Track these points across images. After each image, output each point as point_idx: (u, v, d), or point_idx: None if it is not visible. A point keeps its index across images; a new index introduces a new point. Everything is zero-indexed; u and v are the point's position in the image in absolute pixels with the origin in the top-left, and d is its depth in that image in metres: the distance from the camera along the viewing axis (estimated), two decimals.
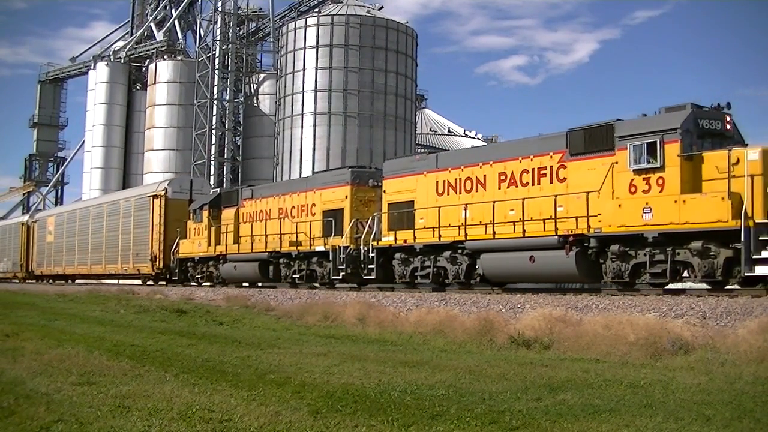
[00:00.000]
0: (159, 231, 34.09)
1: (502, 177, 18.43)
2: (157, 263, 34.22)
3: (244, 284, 28.96)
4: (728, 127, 15.44)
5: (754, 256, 13.43)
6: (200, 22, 63.48)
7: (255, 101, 58.20)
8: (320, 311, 16.63)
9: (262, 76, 58.66)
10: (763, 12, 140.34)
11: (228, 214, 29.10)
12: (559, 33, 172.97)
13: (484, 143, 70.30)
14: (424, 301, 16.62)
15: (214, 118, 55.51)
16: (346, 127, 50.21)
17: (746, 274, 13.70)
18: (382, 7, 55.07)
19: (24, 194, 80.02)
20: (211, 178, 54.76)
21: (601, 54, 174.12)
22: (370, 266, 21.58)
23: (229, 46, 56.81)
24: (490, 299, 15.68)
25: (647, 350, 9.93)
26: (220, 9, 57.00)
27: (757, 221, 13.54)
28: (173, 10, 64.61)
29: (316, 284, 24.48)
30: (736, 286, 14.42)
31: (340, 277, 22.77)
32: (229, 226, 28.71)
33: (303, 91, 51.10)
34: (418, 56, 54.35)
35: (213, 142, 55.48)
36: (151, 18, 66.05)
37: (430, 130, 64.86)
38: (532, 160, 17.82)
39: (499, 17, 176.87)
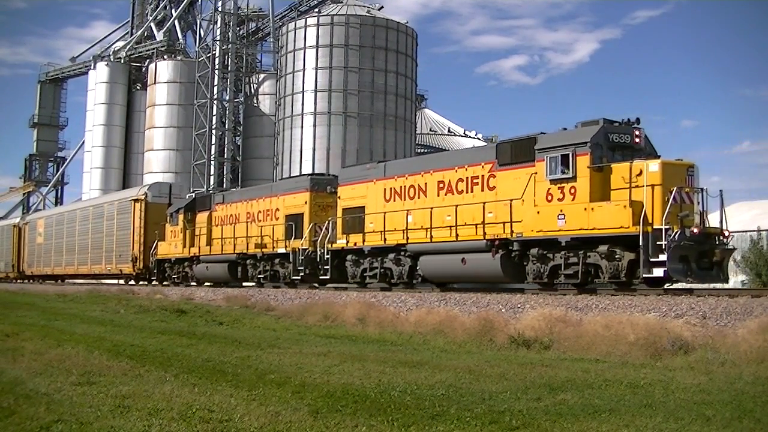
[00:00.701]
0: (139, 233, 35.94)
1: (441, 185, 19.87)
2: (138, 264, 35.91)
3: (220, 284, 30.32)
4: (637, 140, 16.68)
5: (651, 259, 14.67)
6: (200, 22, 63.49)
7: (255, 101, 58.20)
8: (320, 311, 16.63)
9: (262, 76, 58.66)
10: (763, 12, 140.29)
11: (202, 217, 30.79)
12: (559, 33, 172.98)
13: (485, 143, 70.35)
14: (424, 301, 16.62)
15: (214, 118, 55.50)
16: (346, 127, 50.21)
17: (644, 275, 14.96)
18: (382, 7, 55.08)
19: (24, 194, 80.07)
20: (211, 178, 54.77)
21: (602, 54, 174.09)
22: (325, 267, 23.13)
23: (229, 46, 56.81)
24: (490, 299, 15.68)
25: (647, 350, 9.94)
26: (220, 9, 56.99)
27: (655, 227, 14.70)
28: (173, 10, 64.61)
29: (280, 284, 25.93)
30: (643, 286, 15.61)
31: (299, 278, 24.41)
32: (203, 229, 30.46)
33: (303, 91, 51.11)
34: (418, 56, 54.38)
35: (213, 142, 55.48)
36: (151, 18, 66.05)
37: (430, 130, 64.85)
38: (466, 169, 19.23)
39: (500, 17, 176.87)
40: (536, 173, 17.12)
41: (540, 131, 17.88)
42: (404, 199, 21.01)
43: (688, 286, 15.70)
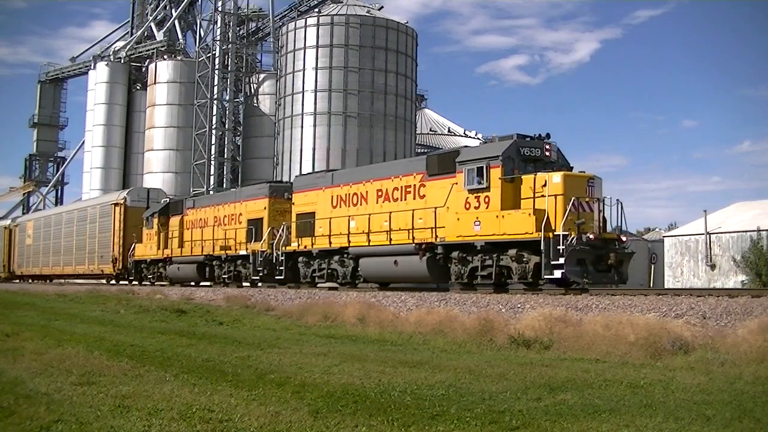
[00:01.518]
0: (119, 236, 38.31)
1: (379, 193, 21.68)
2: (117, 264, 38.26)
3: (190, 283, 32.39)
4: (548, 153, 18.36)
5: (552, 262, 16.15)
6: (200, 22, 63.44)
7: (255, 101, 58.16)
8: (320, 311, 16.63)
9: (262, 76, 58.60)
10: (764, 11, 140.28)
11: (174, 221, 32.95)
12: (560, 32, 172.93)
13: (484, 143, 70.33)
14: (424, 301, 16.62)
15: (214, 118, 55.45)
16: (346, 127, 50.18)
17: (545, 276, 16.50)
18: (382, 7, 55.06)
19: (24, 194, 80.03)
20: (211, 178, 54.75)
21: (603, 54, 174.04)
22: (280, 268, 25.13)
23: (229, 46, 56.77)
24: (490, 299, 15.68)
25: (647, 350, 9.94)
26: (220, 9, 56.94)
27: (556, 233, 16.17)
28: (173, 10, 64.58)
29: (245, 283, 28.18)
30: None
31: (258, 278, 26.47)
32: (175, 232, 32.61)
33: (303, 91, 51.08)
34: (418, 56, 54.35)
35: (213, 142, 55.42)
36: (151, 18, 66.02)
37: (430, 130, 64.82)
38: (401, 179, 21.01)
39: (500, 17, 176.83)
40: (457, 183, 18.82)
41: (497, 135, 19.39)
42: (348, 206, 22.76)
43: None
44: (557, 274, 16.20)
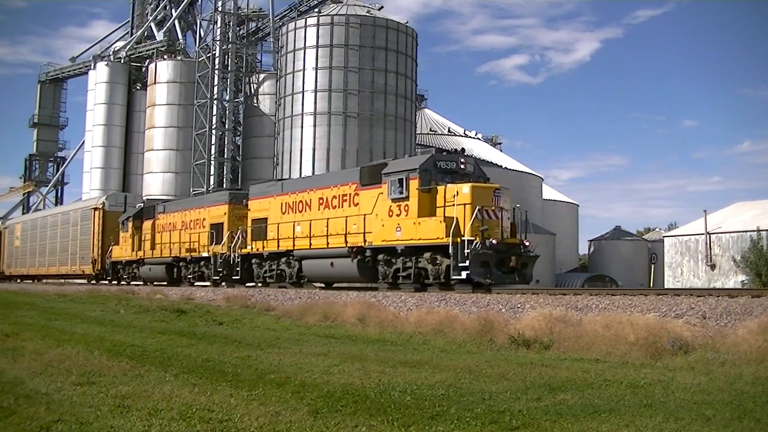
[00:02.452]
0: (98, 238, 40.61)
1: (321, 201, 23.63)
2: (97, 265, 40.66)
3: (163, 283, 33.89)
4: (463, 166, 20.39)
5: (460, 264, 17.94)
6: (200, 22, 63.42)
7: (255, 101, 58.14)
8: (320, 311, 16.63)
9: (262, 76, 58.57)
10: (764, 12, 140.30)
11: (147, 225, 35.09)
12: (560, 32, 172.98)
13: (484, 143, 70.28)
14: (424, 301, 16.61)
15: (214, 118, 55.43)
16: (346, 127, 50.17)
17: (454, 277, 18.32)
18: (382, 7, 55.05)
19: (24, 194, 80.00)
20: (211, 178, 54.74)
21: (603, 53, 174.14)
22: (237, 269, 27.43)
23: (229, 46, 56.76)
24: (490, 299, 15.68)
25: (647, 350, 9.93)
26: (220, 9, 56.93)
27: (463, 238, 17.97)
28: (173, 10, 64.56)
29: (206, 283, 30.46)
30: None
31: (218, 278, 28.82)
32: (147, 235, 34.79)
33: (303, 91, 51.07)
34: (418, 56, 54.33)
35: (213, 142, 55.41)
36: (151, 18, 66.00)
37: (430, 130, 64.74)
38: (339, 188, 22.96)
39: (501, 16, 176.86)
40: (383, 193, 20.71)
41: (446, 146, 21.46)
42: (295, 212, 24.79)
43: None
44: (463, 275, 18.04)
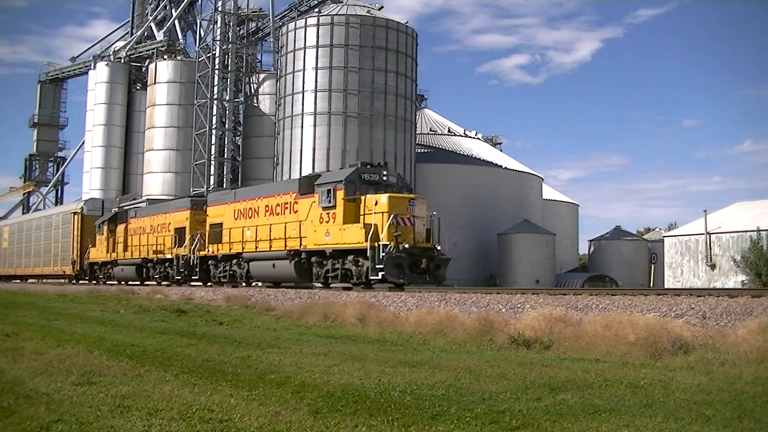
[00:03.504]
0: (77, 241, 43.53)
1: (266, 208, 26.14)
2: (76, 266, 43.56)
3: (135, 282, 36.32)
4: (386, 178, 22.67)
5: (377, 266, 20.29)
6: (200, 22, 63.41)
7: (255, 101, 58.13)
8: (320, 311, 16.62)
9: (262, 76, 58.55)
10: (765, 11, 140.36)
11: (120, 228, 37.83)
12: (561, 31, 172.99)
13: (484, 143, 70.22)
14: (424, 301, 16.61)
15: (214, 118, 55.43)
16: (346, 127, 50.16)
17: (372, 277, 20.67)
18: (382, 7, 55.05)
19: (24, 194, 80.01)
20: (211, 178, 54.74)
21: (604, 53, 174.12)
22: (196, 269, 30.10)
23: (229, 46, 56.76)
24: (490, 299, 15.67)
25: (647, 350, 9.93)
26: (220, 9, 56.92)
27: (380, 243, 20.28)
28: (173, 10, 64.55)
29: (164, 282, 32.97)
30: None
31: (180, 278, 31.37)
32: (120, 238, 37.52)
33: (303, 91, 51.07)
34: (418, 56, 54.31)
35: (213, 142, 55.41)
36: (151, 18, 65.99)
37: (430, 130, 64.67)
38: (282, 197, 25.52)
39: (501, 16, 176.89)
40: (315, 202, 23.12)
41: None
42: (245, 218, 27.30)
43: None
44: (380, 275, 20.28)
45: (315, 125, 50.58)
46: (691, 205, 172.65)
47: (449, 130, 66.39)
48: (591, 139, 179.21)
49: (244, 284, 27.02)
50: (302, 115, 50.99)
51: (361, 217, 21.34)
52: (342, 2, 53.52)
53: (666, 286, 39.03)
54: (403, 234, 20.57)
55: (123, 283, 36.85)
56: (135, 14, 69.58)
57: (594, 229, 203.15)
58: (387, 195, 21.13)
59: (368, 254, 20.39)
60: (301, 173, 50.46)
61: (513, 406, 6.71)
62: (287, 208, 25.03)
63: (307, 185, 23.91)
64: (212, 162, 55.08)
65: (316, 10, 55.76)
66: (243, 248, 26.88)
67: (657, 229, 73.11)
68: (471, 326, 12.50)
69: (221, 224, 28.57)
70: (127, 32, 70.84)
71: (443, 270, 21.40)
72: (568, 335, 11.15)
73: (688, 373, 8.51)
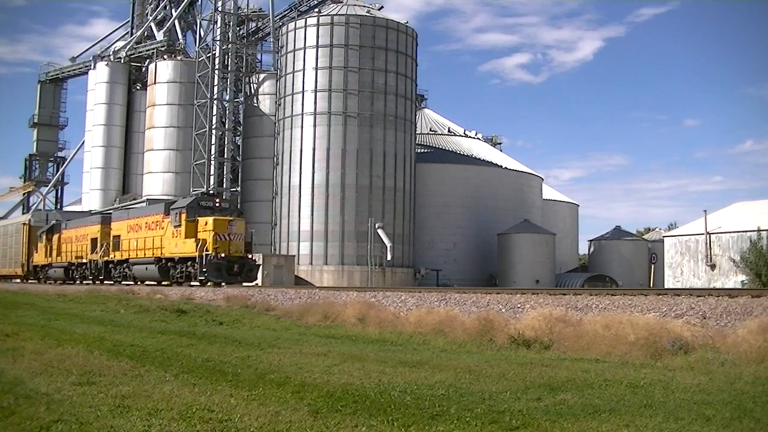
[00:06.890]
0: (25, 247, 51.69)
1: (146, 225, 35.05)
2: (24, 268, 51.75)
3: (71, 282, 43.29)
4: (218, 204, 32.75)
5: (203, 269, 29.94)
6: (200, 22, 63.43)
7: (255, 101, 58.12)
8: (320, 311, 16.63)
9: (262, 76, 58.54)
10: (767, 11, 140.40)
11: (55, 237, 45.83)
12: (563, 30, 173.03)
13: (484, 143, 70.23)
14: (424, 301, 16.61)
15: (214, 118, 55.44)
16: (346, 127, 50.19)
17: (200, 278, 30.35)
18: (381, 7, 55.08)
19: (24, 194, 79.94)
20: (211, 178, 54.76)
21: (606, 52, 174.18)
22: (103, 271, 39.10)
23: (229, 46, 56.77)
24: (490, 299, 15.68)
25: (647, 350, 9.93)
26: (220, 9, 56.93)
27: (206, 253, 29.78)
28: (173, 10, 64.55)
29: (86, 281, 41.20)
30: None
31: (92, 277, 40.32)
32: (54, 245, 45.76)
33: (303, 91, 51.10)
34: (420, 55, 54.35)
35: (213, 142, 55.42)
36: (151, 18, 66.00)
37: (430, 130, 64.73)
38: (154, 216, 34.54)
39: (503, 14, 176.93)
40: (170, 221, 32.37)
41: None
42: (133, 232, 36.22)
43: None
44: (204, 276, 29.98)
45: (315, 125, 50.59)
46: (692, 205, 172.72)
47: (449, 130, 66.39)
48: (591, 138, 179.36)
49: (136, 283, 35.52)
50: (302, 115, 51.00)
51: (198, 234, 30.43)
52: (342, 2, 53.53)
53: (666, 286, 39.03)
54: (222, 246, 29.91)
55: (56, 282, 44.60)
56: (135, 14, 69.58)
57: (594, 229, 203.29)
58: (213, 218, 30.41)
59: (197, 261, 29.97)
60: (301, 173, 50.57)
61: (513, 406, 6.71)
62: (157, 225, 33.85)
63: (167, 209, 33.15)
64: (212, 162, 55.09)
65: (316, 10, 55.77)
66: (130, 255, 36.03)
67: (657, 229, 73.11)
68: (471, 326, 12.50)
69: (119, 236, 37.46)
70: (127, 32, 70.84)
71: (255, 272, 31.75)
72: (568, 335, 11.16)
73: (688, 373, 8.51)
